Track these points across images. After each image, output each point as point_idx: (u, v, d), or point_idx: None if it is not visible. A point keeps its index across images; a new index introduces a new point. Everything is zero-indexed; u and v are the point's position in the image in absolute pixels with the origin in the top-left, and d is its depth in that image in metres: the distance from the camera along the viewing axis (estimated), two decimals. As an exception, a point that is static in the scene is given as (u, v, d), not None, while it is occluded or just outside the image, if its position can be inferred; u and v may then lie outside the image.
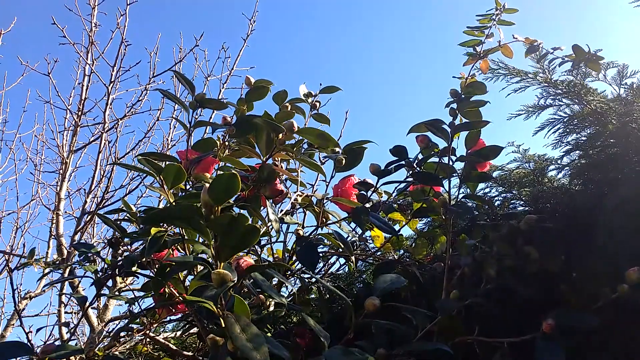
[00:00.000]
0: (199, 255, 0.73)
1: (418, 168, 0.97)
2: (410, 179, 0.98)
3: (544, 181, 1.19)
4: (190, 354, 1.46)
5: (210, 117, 2.20)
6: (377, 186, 0.94)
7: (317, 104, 1.29)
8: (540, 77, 1.15)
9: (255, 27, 2.64)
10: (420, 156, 0.98)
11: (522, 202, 1.19)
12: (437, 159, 0.98)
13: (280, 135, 0.91)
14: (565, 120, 1.14)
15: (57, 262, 1.00)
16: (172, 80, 2.49)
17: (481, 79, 1.12)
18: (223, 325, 0.62)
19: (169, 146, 2.34)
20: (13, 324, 2.19)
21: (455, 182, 1.02)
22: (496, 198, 1.29)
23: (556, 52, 1.09)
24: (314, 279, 1.35)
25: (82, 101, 2.08)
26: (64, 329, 1.62)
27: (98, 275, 0.84)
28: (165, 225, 0.98)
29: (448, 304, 0.74)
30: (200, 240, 0.97)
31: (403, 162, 0.96)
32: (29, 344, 0.77)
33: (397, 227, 1.11)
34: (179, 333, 2.02)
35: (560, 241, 0.78)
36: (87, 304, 0.87)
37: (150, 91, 2.24)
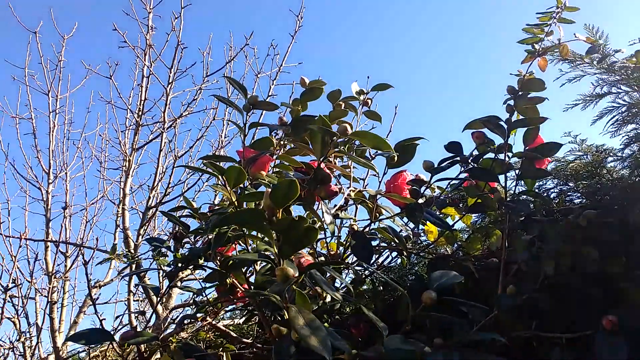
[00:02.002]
0: (263, 253, 0.78)
1: (473, 164, 0.97)
2: (464, 175, 0.99)
3: (603, 173, 1.16)
4: (249, 341, 1.54)
5: (261, 117, 2.27)
6: (430, 183, 0.96)
7: (369, 101, 1.31)
8: (596, 64, 1.12)
9: (302, 24, 2.67)
10: (475, 152, 0.98)
11: (579, 195, 1.16)
12: (493, 155, 0.98)
13: (335, 138, 0.94)
14: (623, 108, 1.11)
15: (132, 257, 1.09)
16: (224, 79, 2.57)
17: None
18: (286, 316, 0.66)
19: (223, 143, 2.43)
20: (84, 311, 2.36)
21: (511, 178, 1.02)
22: (552, 190, 1.26)
23: (617, 55, 1.06)
24: (367, 272, 1.38)
25: (142, 101, 2.19)
26: (133, 316, 1.74)
27: (170, 268, 0.91)
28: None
29: (505, 299, 0.75)
30: (260, 236, 1.02)
31: (458, 158, 0.96)
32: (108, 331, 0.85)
33: (450, 222, 1.12)
34: (238, 320, 2.12)
35: (620, 238, 0.77)
36: (161, 293, 0.94)
37: (204, 90, 2.33)
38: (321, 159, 0.91)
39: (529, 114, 0.95)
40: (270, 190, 0.58)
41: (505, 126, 0.94)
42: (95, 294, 2.34)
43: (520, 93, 0.97)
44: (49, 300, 2.16)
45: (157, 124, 2.27)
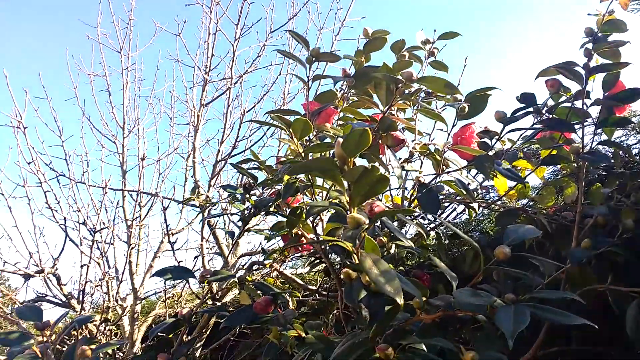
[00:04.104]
0: (334, 201, 0.80)
1: (548, 114, 0.93)
2: (538, 126, 0.95)
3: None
4: (313, 288, 1.60)
5: (324, 70, 2.25)
6: (502, 134, 0.93)
7: (435, 51, 1.26)
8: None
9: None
10: (550, 101, 0.94)
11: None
12: (569, 104, 0.93)
13: (400, 86, 0.92)
14: None
15: (207, 201, 1.15)
16: (286, 36, 2.55)
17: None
18: (357, 262, 0.68)
19: (286, 100, 2.45)
20: (158, 256, 2.54)
21: (589, 129, 0.96)
22: (634, 146, 1.19)
23: None
24: (431, 226, 1.38)
25: (209, 58, 2.24)
26: (206, 260, 1.86)
27: (244, 213, 0.96)
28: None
29: (579, 252, 0.73)
30: (327, 187, 1.04)
31: (531, 109, 0.92)
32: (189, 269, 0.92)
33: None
34: (300, 270, 2.20)
35: None
36: (236, 236, 1.00)
37: (267, 46, 2.33)
38: (386, 108, 0.91)
39: (609, 58, 0.89)
40: (342, 139, 0.59)
41: (583, 72, 0.88)
42: (168, 241, 2.50)
43: (599, 35, 0.90)
44: (128, 245, 2.34)
45: (223, 81, 2.32)
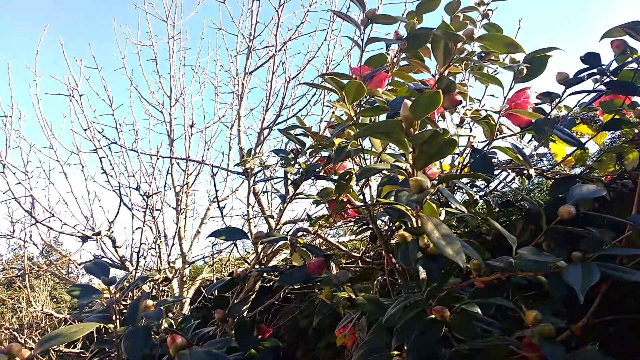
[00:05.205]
0: (395, 164, 0.80)
1: (612, 77, 0.88)
2: (602, 88, 0.91)
3: None
4: (357, 255, 1.62)
5: (368, 36, 2.20)
6: (564, 96, 0.89)
7: (489, 13, 1.22)
8: None
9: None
10: (615, 63, 0.89)
11: None
12: (635, 66, 0.88)
13: (459, 45, 0.90)
14: None
15: (263, 164, 1.18)
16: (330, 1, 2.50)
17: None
18: (415, 225, 0.69)
19: (330, 66, 2.42)
20: (205, 222, 2.63)
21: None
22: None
23: None
24: (480, 193, 1.36)
25: (254, 25, 2.24)
26: (252, 226, 1.91)
27: (295, 177, 0.97)
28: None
29: (641, 218, 0.70)
30: (375, 151, 1.04)
31: (595, 70, 0.88)
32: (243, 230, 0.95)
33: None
34: (342, 239, 2.23)
35: None
36: (288, 199, 1.02)
37: (311, 12, 2.30)
38: (444, 68, 0.88)
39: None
40: (409, 101, 0.58)
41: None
42: (214, 207, 2.58)
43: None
44: (177, 211, 2.43)
45: (267, 49, 2.32)
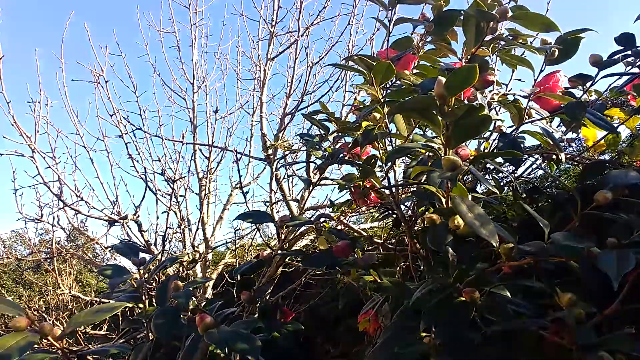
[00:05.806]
0: (425, 144, 0.79)
1: (647, 58, 0.86)
2: (634, 71, 0.88)
3: None
4: (379, 241, 1.62)
5: (391, 20, 2.17)
6: (597, 79, 0.87)
7: (518, -7, 1.19)
8: None
9: None
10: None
11: None
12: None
13: (491, 24, 0.87)
14: None
15: (290, 147, 1.18)
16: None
17: None
18: (445, 207, 0.68)
19: (352, 51, 2.40)
20: (228, 208, 2.66)
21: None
22: None
23: None
24: (508, 179, 1.34)
25: (276, 10, 2.23)
26: (274, 211, 1.92)
27: (320, 162, 0.98)
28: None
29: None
30: (398, 134, 1.03)
31: (629, 52, 0.86)
32: (269, 213, 0.95)
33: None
34: (363, 225, 2.23)
35: None
36: (314, 183, 1.02)
37: (333, -3, 2.28)
38: (476, 47, 0.87)
39: None
40: (443, 78, 0.57)
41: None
42: (236, 194, 2.60)
43: None
44: (200, 196, 2.46)
45: (288, 34, 2.31)
